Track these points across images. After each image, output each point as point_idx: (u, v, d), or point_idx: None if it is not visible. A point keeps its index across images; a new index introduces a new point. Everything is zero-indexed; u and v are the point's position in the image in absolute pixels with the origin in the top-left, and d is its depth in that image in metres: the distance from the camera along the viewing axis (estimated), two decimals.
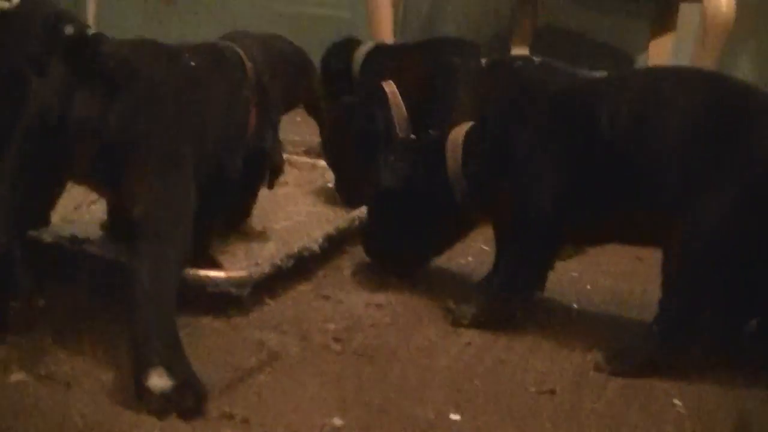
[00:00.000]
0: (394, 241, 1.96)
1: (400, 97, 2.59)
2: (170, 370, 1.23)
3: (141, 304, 1.26)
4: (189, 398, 1.25)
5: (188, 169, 1.42)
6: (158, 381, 1.22)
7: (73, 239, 1.77)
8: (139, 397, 1.24)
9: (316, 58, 3.50)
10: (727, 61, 3.83)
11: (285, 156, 2.87)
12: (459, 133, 1.85)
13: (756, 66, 4.00)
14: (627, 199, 1.63)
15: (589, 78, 1.85)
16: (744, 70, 3.97)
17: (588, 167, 1.66)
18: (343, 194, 2.60)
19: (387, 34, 3.71)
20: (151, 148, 1.37)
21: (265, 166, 1.96)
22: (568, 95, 1.77)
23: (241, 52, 3.02)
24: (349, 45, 3.06)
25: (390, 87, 2.62)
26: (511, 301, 1.75)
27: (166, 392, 1.22)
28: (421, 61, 2.77)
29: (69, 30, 1.30)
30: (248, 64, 2.99)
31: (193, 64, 1.58)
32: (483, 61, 2.65)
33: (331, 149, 2.66)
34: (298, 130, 3.30)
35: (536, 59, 2.56)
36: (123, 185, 1.37)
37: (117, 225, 1.82)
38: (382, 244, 1.99)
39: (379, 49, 2.99)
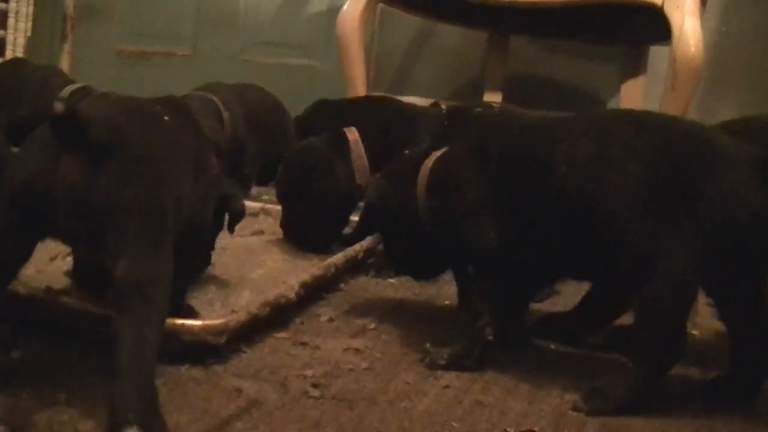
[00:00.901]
0: (403, 252, 2.03)
1: (362, 145, 2.61)
2: (146, 430, 1.22)
3: (123, 364, 1.25)
4: None
5: (169, 227, 1.42)
6: None
7: (48, 291, 1.76)
8: None
9: (289, 106, 3.53)
10: (710, 106, 3.88)
11: (261, 205, 2.89)
12: (431, 159, 1.87)
13: (738, 111, 4.04)
14: (582, 238, 1.66)
15: (545, 119, 1.87)
16: (726, 116, 4.01)
17: (542, 207, 1.69)
18: (287, 233, 2.62)
19: (360, 86, 3.74)
20: (136, 209, 1.37)
21: (223, 213, 1.96)
22: (522, 139, 1.78)
23: (219, 103, 3.04)
24: None
25: (353, 135, 2.64)
26: (477, 335, 1.76)
27: None
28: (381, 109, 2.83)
29: (59, 107, 1.32)
30: (225, 114, 3.01)
31: (167, 118, 1.59)
32: (443, 107, 2.68)
33: (282, 188, 2.67)
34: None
35: (495, 106, 2.60)
36: (106, 244, 1.36)
37: (83, 275, 1.83)
38: (395, 255, 2.08)
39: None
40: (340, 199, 2.61)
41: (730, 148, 1.60)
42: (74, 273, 1.87)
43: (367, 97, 3.46)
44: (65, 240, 1.55)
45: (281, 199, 2.68)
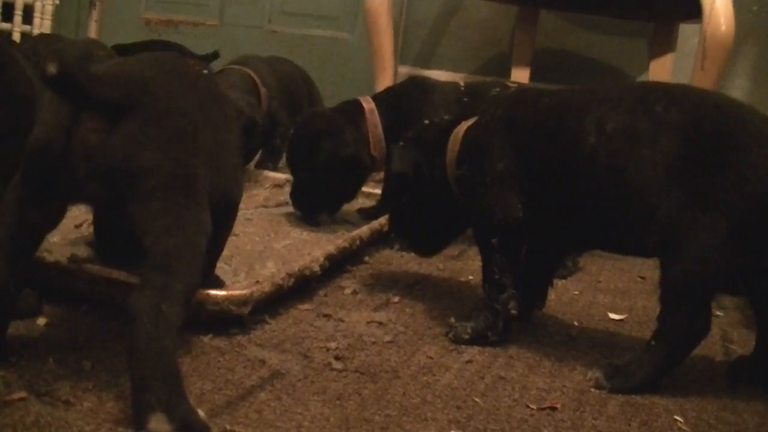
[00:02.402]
0: (411, 223, 2.03)
1: (377, 114, 2.59)
2: (170, 414, 1.18)
3: (143, 344, 1.20)
4: None
5: (201, 196, 1.36)
6: (157, 426, 1.17)
7: (74, 258, 1.77)
8: None
9: (316, 78, 3.53)
10: (724, 80, 3.84)
11: (286, 176, 2.90)
12: (463, 127, 1.86)
13: (752, 83, 4.01)
14: (610, 212, 1.65)
15: (575, 91, 1.85)
16: (741, 89, 3.98)
17: (570, 179, 1.68)
18: (295, 201, 2.60)
19: (387, 59, 3.72)
20: (157, 173, 1.31)
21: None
22: (551, 110, 1.77)
23: (256, 78, 3.02)
24: None
25: (368, 104, 2.62)
26: (500, 309, 1.76)
27: None
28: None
29: (51, 69, 1.25)
30: (262, 90, 2.98)
31: (201, 71, 1.55)
32: (461, 84, 2.67)
33: (290, 154, 2.65)
34: None
35: (512, 85, 2.58)
36: (132, 213, 1.31)
37: (104, 242, 1.82)
38: (402, 226, 2.06)
39: None
40: (347, 163, 2.57)
41: (761, 123, 1.58)
42: (96, 244, 1.87)
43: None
44: (89, 204, 1.49)
45: (289, 165, 2.66)
